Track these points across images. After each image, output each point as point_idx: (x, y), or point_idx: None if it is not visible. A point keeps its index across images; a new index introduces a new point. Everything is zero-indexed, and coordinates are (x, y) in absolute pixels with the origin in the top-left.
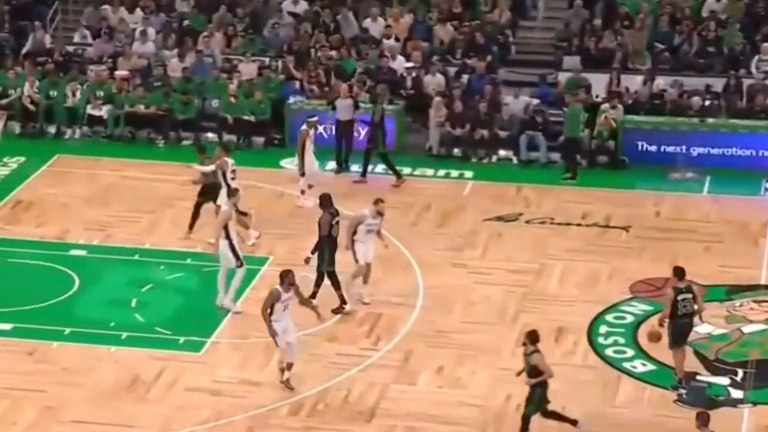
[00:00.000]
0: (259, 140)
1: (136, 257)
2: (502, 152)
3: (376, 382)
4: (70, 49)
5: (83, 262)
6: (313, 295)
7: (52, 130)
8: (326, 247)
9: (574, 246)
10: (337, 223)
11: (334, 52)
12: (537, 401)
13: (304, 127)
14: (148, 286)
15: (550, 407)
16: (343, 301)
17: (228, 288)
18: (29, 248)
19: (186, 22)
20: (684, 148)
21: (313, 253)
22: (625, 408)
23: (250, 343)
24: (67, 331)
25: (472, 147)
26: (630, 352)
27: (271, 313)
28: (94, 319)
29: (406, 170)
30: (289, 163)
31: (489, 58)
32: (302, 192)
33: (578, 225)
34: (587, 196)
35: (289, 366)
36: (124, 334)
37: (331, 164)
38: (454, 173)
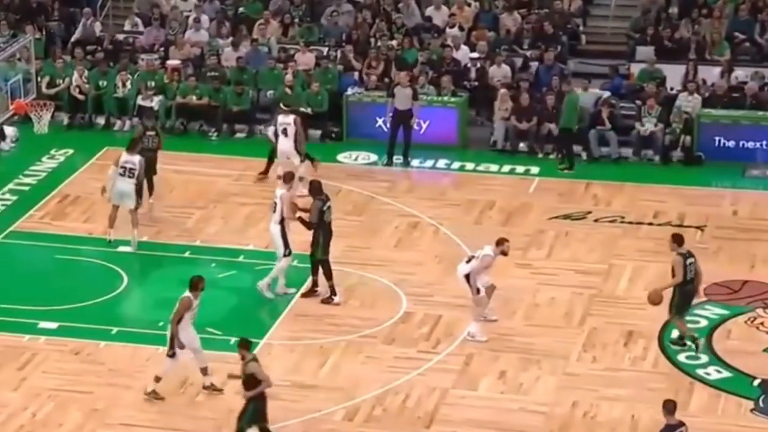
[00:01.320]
0: (316, 133)
1: (187, 254)
2: None
3: (435, 386)
4: (121, 37)
5: (132, 259)
6: (314, 284)
7: (101, 121)
8: (320, 235)
9: (646, 246)
10: (329, 209)
11: (394, 42)
12: (250, 415)
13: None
14: None
15: None
16: (333, 293)
17: (275, 276)
18: (76, 244)
19: (241, 10)
20: (764, 143)
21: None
22: (699, 417)
23: (303, 345)
24: (115, 330)
25: (539, 142)
26: (704, 358)
27: (178, 323)
28: (143, 319)
29: (469, 165)
30: (347, 158)
31: (558, 48)
32: (300, 179)
33: (650, 224)
34: (660, 193)
35: (204, 370)
36: None
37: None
38: (520, 169)
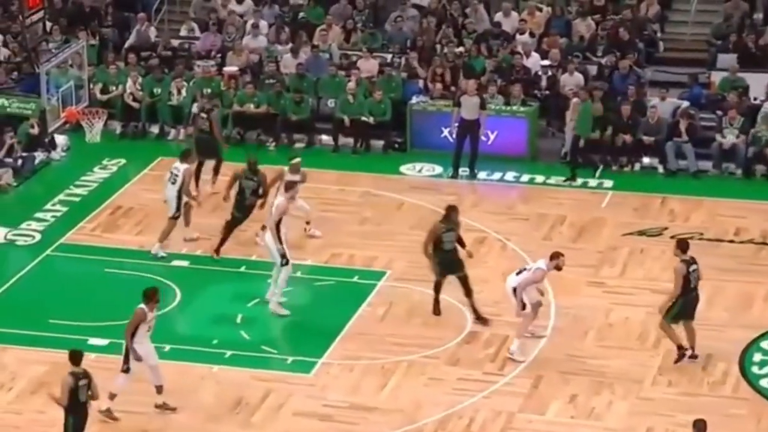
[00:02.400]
0: (378, 144)
1: (243, 269)
2: (646, 160)
3: (501, 410)
4: (176, 43)
5: (185, 273)
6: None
7: (155, 130)
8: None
9: (726, 265)
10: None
11: (461, 49)
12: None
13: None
14: (254, 300)
15: None
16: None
17: (282, 289)
18: (128, 258)
19: (301, 15)
20: None
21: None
22: None
23: (363, 365)
24: (167, 348)
25: (613, 154)
26: None
27: (133, 336)
28: (196, 336)
29: (539, 178)
30: (410, 169)
31: (634, 55)
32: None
33: (730, 242)
34: (741, 209)
35: (159, 389)
36: (228, 353)
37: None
38: (592, 182)
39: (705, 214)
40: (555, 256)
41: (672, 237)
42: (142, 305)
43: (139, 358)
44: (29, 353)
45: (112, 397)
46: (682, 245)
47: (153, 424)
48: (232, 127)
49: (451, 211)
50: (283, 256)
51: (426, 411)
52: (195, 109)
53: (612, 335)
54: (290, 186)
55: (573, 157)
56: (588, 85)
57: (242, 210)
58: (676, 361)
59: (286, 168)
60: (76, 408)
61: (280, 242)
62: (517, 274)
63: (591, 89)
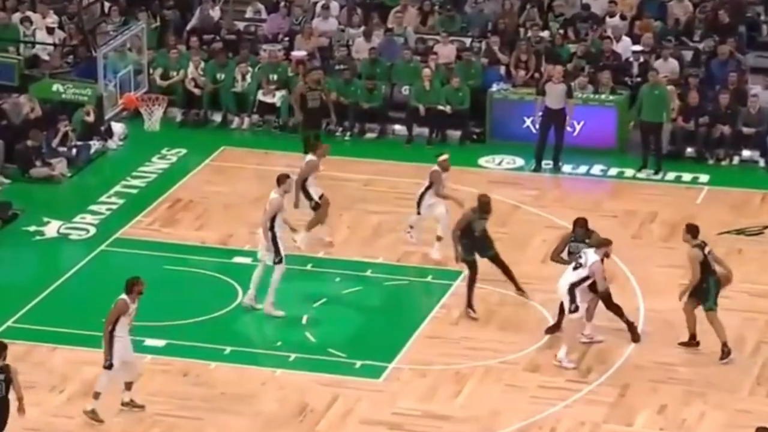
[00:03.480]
0: (455, 134)
1: (309, 267)
2: (746, 153)
3: (585, 420)
4: (241, 25)
5: (248, 271)
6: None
7: (217, 118)
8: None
9: None
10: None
11: (547, 33)
12: None
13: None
14: (321, 300)
15: None
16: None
17: (262, 287)
18: (187, 254)
19: None
20: None
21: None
22: None
23: (437, 371)
24: (228, 350)
25: (710, 146)
26: None
27: (112, 330)
28: (259, 338)
29: (629, 172)
30: (489, 162)
31: (734, 40)
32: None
33: None
34: None
35: (129, 386)
36: (293, 356)
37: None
38: (686, 177)
39: None
40: (604, 243)
41: None
42: (124, 296)
43: (110, 356)
44: (81, 354)
45: (97, 396)
46: (692, 230)
47: (211, 429)
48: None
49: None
50: (277, 253)
51: (503, 420)
52: (261, 96)
53: (705, 342)
54: (282, 180)
55: (655, 147)
56: (683, 72)
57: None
58: (722, 359)
59: (308, 156)
60: None
61: (275, 239)
62: (574, 269)
63: (687, 76)
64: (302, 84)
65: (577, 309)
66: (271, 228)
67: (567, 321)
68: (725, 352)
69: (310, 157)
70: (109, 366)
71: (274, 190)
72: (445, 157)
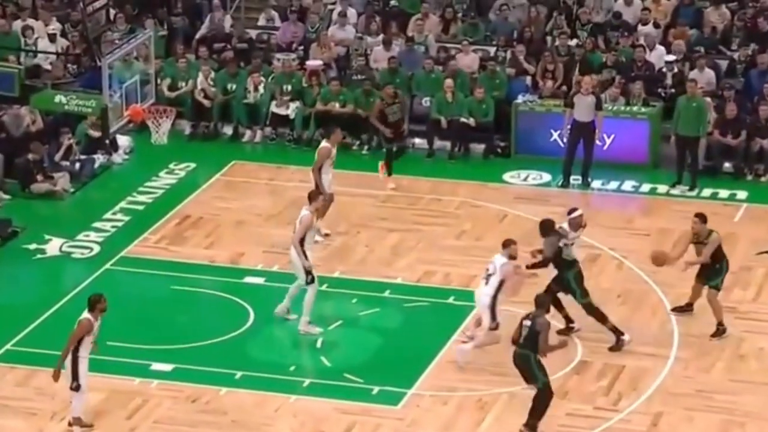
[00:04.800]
0: (479, 148)
1: (324, 287)
2: None
3: None
4: (254, 33)
5: (260, 291)
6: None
7: (228, 131)
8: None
9: None
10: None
11: (575, 41)
12: None
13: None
14: (337, 323)
15: None
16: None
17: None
18: (196, 273)
19: (394, 2)
20: None
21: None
22: None
23: (459, 397)
24: (239, 374)
25: (748, 161)
26: None
27: (76, 350)
28: (271, 362)
29: (662, 188)
30: (515, 177)
31: None
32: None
33: None
34: None
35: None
36: (307, 381)
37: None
38: (723, 193)
39: None
40: (506, 244)
41: None
42: (87, 314)
43: (78, 377)
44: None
45: (77, 421)
46: (703, 217)
47: None
48: (315, 129)
49: None
50: (309, 272)
51: None
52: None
53: (744, 368)
54: (313, 196)
55: (691, 162)
56: (720, 83)
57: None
58: (714, 336)
59: (322, 143)
60: None
61: (306, 258)
62: (486, 283)
63: (723, 87)
64: (379, 101)
65: (497, 326)
66: (301, 245)
67: (485, 333)
68: (720, 330)
69: (323, 143)
70: (76, 387)
71: (305, 207)
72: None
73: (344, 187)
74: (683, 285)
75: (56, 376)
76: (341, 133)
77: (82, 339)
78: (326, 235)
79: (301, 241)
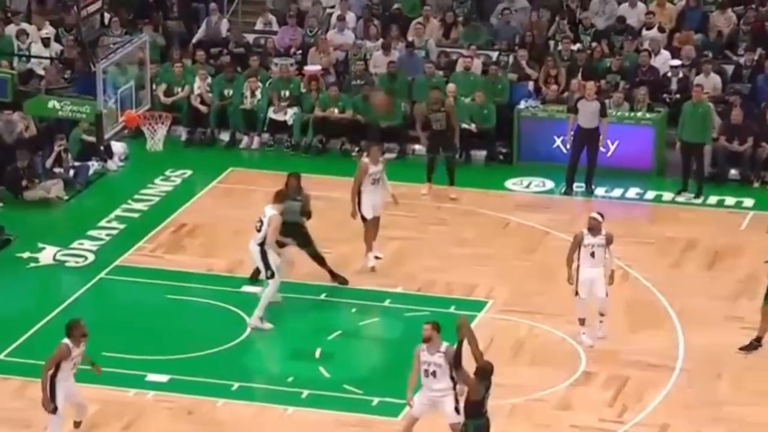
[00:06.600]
0: (481, 154)
1: (323, 297)
2: None
3: None
4: (251, 38)
5: (257, 300)
6: None
7: (225, 137)
8: None
9: None
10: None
11: (578, 46)
12: None
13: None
14: (336, 333)
15: None
16: None
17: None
18: (192, 282)
19: (394, 6)
20: None
21: None
22: None
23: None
24: (236, 386)
25: (755, 167)
26: None
27: (54, 375)
28: (269, 373)
29: (667, 196)
30: (517, 184)
31: None
32: None
33: None
34: None
35: (77, 425)
36: (305, 392)
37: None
38: (730, 201)
39: None
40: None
41: None
42: (66, 340)
43: (51, 402)
44: (79, 390)
45: (78, 425)
46: None
47: None
48: (313, 135)
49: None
50: (268, 267)
51: None
52: (272, 113)
53: (751, 379)
54: (280, 196)
55: (696, 169)
56: (726, 88)
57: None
58: (745, 349)
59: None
60: None
61: (264, 256)
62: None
63: (730, 93)
64: (424, 106)
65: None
66: (262, 243)
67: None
68: (753, 345)
69: (363, 159)
70: (53, 410)
71: (270, 206)
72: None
73: (344, 194)
74: (689, 294)
75: (46, 404)
76: (380, 148)
77: (59, 365)
78: (377, 257)
79: (263, 241)
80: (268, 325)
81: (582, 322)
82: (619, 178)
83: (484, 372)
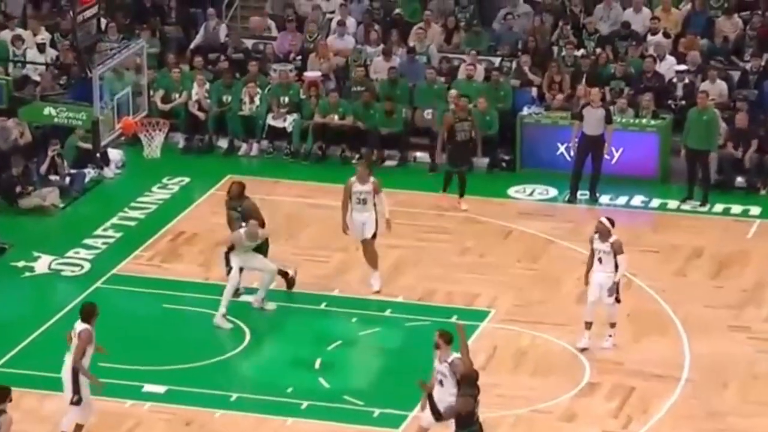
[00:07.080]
0: (483, 162)
1: (323, 306)
2: None
3: None
4: (249, 43)
5: (256, 310)
6: None
7: (223, 144)
8: None
9: None
10: None
11: (582, 51)
12: None
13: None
14: (336, 343)
15: None
16: None
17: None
18: (190, 291)
19: (395, 11)
20: None
21: None
22: None
23: None
24: (234, 396)
25: (762, 175)
26: None
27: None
28: (268, 383)
29: (672, 204)
30: (520, 192)
31: None
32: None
33: None
34: None
35: (79, 428)
36: (305, 403)
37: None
38: (736, 209)
39: None
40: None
41: None
42: (86, 325)
43: (78, 391)
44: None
45: (80, 429)
46: None
47: None
48: (313, 142)
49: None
50: (228, 263)
51: None
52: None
53: (758, 390)
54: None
55: (702, 177)
56: (732, 95)
57: None
58: None
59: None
60: None
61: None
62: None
63: (736, 99)
64: (450, 113)
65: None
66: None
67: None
68: None
69: (351, 177)
70: (77, 401)
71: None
72: None
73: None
74: (693, 303)
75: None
76: (367, 167)
77: (85, 350)
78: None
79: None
80: (229, 325)
81: (588, 325)
82: (623, 185)
83: (470, 379)
